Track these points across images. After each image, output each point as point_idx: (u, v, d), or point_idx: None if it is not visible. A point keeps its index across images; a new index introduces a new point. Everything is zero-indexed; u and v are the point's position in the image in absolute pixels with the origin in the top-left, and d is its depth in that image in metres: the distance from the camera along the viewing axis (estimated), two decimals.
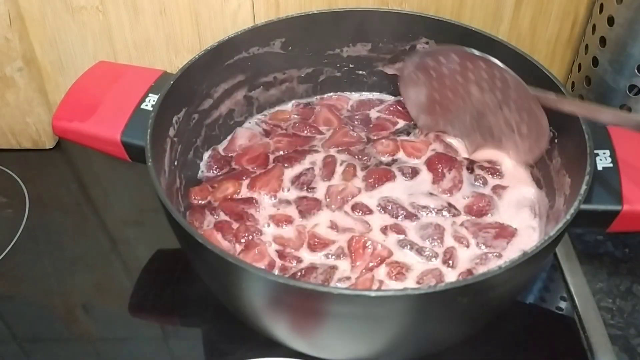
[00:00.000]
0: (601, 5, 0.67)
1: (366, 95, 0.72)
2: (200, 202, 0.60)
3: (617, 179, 0.50)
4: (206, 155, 0.65)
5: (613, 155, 0.51)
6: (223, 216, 0.58)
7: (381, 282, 0.52)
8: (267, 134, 0.67)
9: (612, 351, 0.55)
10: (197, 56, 0.59)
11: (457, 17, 0.73)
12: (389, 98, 0.71)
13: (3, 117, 0.73)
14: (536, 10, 0.73)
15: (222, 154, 0.65)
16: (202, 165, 0.64)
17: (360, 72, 0.70)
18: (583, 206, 0.46)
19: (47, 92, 0.76)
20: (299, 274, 0.52)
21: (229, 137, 0.67)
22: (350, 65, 0.70)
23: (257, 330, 0.51)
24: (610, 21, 0.65)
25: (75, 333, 0.58)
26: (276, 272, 0.53)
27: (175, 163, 0.58)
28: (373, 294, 0.41)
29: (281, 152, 0.64)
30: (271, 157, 0.64)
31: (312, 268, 0.52)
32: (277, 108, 0.70)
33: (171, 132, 0.57)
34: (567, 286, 0.60)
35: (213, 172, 0.63)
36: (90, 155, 0.75)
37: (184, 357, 0.56)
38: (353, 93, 0.72)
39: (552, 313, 0.59)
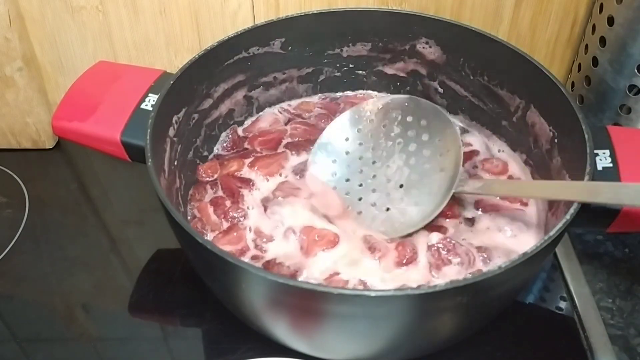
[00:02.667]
0: (601, 5, 0.67)
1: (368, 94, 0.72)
2: (207, 178, 0.61)
3: (617, 179, 0.50)
4: (223, 134, 0.66)
5: (613, 155, 0.51)
6: (220, 192, 0.60)
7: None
8: (288, 121, 0.68)
9: (612, 351, 0.55)
10: (197, 56, 0.59)
11: (457, 17, 0.73)
12: None
13: (3, 117, 0.73)
14: (536, 10, 0.73)
15: (241, 134, 0.66)
16: (218, 143, 0.65)
17: (360, 71, 0.70)
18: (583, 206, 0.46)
19: (47, 92, 0.76)
20: (269, 263, 0.53)
21: (251, 119, 0.68)
22: (350, 65, 0.70)
23: (257, 330, 0.51)
24: (610, 21, 0.65)
25: (75, 333, 0.58)
26: (247, 259, 0.54)
27: (175, 163, 0.58)
28: (373, 293, 0.41)
29: (294, 139, 0.65)
30: (284, 142, 0.65)
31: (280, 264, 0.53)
32: (303, 99, 0.71)
33: (171, 132, 0.57)
34: (567, 286, 0.60)
35: (226, 151, 0.65)
36: (90, 155, 0.75)
37: (184, 357, 0.56)
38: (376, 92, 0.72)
39: (552, 313, 0.59)
